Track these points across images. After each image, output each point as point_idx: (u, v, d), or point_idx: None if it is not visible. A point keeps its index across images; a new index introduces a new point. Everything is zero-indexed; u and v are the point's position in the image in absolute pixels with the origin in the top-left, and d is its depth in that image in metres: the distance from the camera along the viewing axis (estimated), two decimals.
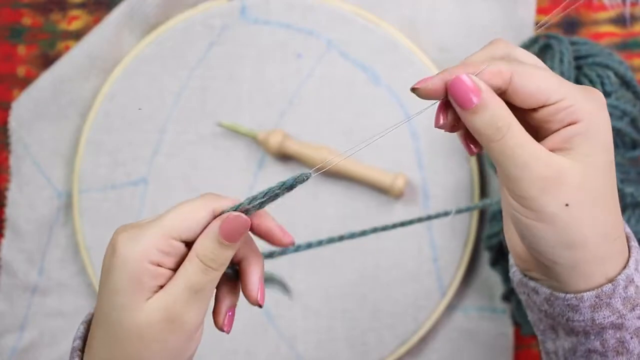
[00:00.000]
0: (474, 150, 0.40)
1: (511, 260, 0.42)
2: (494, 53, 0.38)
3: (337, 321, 0.65)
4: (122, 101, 0.67)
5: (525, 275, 0.41)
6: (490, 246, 0.60)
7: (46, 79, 0.68)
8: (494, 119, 0.36)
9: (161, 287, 0.38)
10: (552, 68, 0.57)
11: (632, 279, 0.38)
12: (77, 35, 0.69)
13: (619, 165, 0.57)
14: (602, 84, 0.57)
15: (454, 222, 0.65)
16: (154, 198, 0.67)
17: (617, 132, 0.57)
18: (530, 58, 0.38)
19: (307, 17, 0.66)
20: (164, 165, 0.67)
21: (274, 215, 0.66)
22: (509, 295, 0.61)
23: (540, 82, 0.36)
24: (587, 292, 0.37)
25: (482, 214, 0.66)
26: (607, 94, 0.57)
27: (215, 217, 0.39)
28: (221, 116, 0.66)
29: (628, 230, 0.40)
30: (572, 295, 0.38)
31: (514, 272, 0.42)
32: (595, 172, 0.36)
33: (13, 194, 0.68)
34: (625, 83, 0.58)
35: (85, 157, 0.67)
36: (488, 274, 0.65)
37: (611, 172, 0.37)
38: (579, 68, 0.59)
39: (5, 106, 0.69)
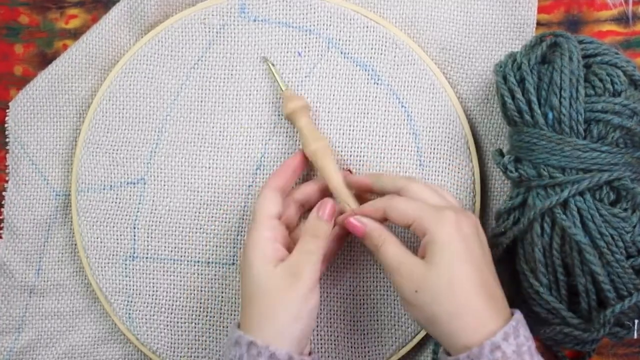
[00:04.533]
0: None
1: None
2: (396, 183, 0.58)
3: (338, 323, 0.65)
4: (121, 100, 0.67)
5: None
6: (495, 245, 0.60)
7: (44, 78, 0.67)
8: (373, 240, 0.56)
9: (282, 261, 0.55)
10: (561, 66, 0.57)
11: (499, 346, 0.49)
12: (75, 34, 0.69)
13: (629, 165, 0.56)
14: (612, 83, 0.57)
15: None
16: (152, 198, 0.66)
17: (627, 132, 0.56)
18: (419, 190, 0.57)
19: (307, 16, 0.66)
20: (162, 165, 0.66)
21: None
22: (513, 296, 0.61)
23: (402, 210, 0.55)
24: (462, 354, 0.50)
25: (484, 213, 0.66)
26: (617, 93, 0.57)
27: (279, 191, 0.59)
28: (220, 115, 0.66)
29: (515, 311, 0.53)
30: (454, 358, 0.51)
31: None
32: (438, 269, 0.52)
33: (10, 194, 0.68)
34: (634, 82, 0.58)
35: (83, 156, 0.67)
36: None
37: (458, 270, 0.51)
38: (588, 67, 0.58)
39: (2, 105, 0.69)
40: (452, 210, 0.54)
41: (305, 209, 0.62)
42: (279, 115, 0.66)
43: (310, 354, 0.57)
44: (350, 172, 0.63)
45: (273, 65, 0.65)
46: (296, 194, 0.62)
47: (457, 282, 0.51)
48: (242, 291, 0.56)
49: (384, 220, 0.57)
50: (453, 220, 0.53)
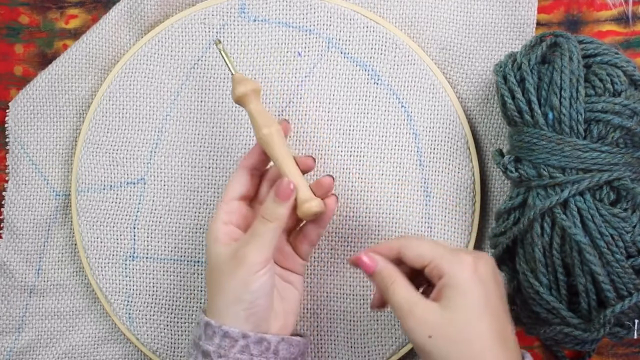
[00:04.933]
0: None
1: None
2: (392, 244, 0.55)
3: (338, 323, 0.65)
4: (121, 100, 0.67)
5: None
6: (495, 245, 0.60)
7: (44, 78, 0.67)
8: (383, 279, 0.54)
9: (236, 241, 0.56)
10: (561, 66, 0.57)
11: None
12: (75, 34, 0.69)
13: (629, 165, 0.56)
14: (612, 83, 0.57)
15: (455, 220, 0.64)
16: (152, 198, 0.66)
17: (627, 132, 0.56)
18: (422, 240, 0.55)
19: (306, 16, 0.66)
20: (162, 165, 0.66)
21: None
22: (513, 296, 0.61)
23: (417, 250, 0.53)
24: None
25: (484, 213, 0.66)
26: (617, 93, 0.57)
27: (250, 169, 0.59)
28: (220, 115, 0.66)
29: (525, 353, 0.53)
30: None
31: None
32: (455, 315, 0.50)
33: (10, 194, 0.68)
34: (634, 82, 0.58)
35: (83, 156, 0.67)
36: None
37: (475, 317, 0.50)
38: (588, 67, 0.58)
39: (2, 105, 0.69)
40: (468, 254, 0.53)
41: None
42: (278, 115, 0.66)
43: (301, 335, 0.57)
44: (335, 196, 0.59)
45: (223, 49, 0.60)
46: (269, 174, 0.60)
47: (475, 330, 0.50)
48: None
49: (396, 260, 0.55)
50: (470, 264, 0.52)
